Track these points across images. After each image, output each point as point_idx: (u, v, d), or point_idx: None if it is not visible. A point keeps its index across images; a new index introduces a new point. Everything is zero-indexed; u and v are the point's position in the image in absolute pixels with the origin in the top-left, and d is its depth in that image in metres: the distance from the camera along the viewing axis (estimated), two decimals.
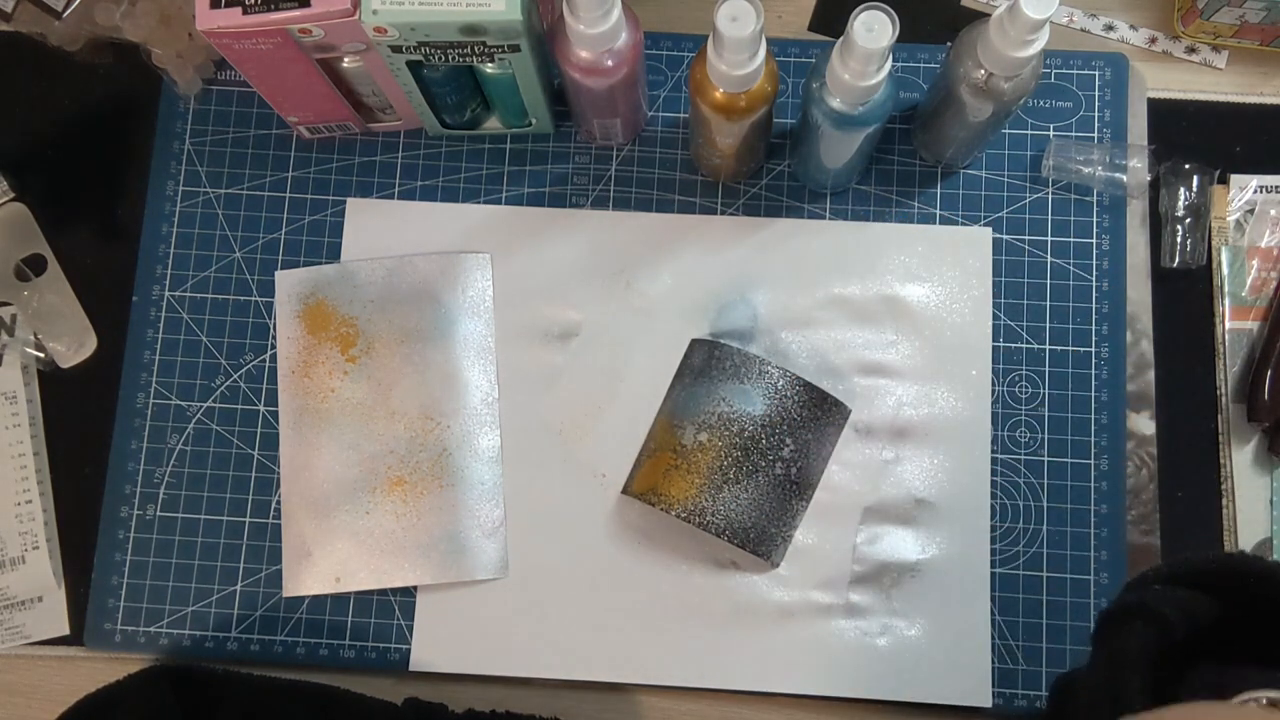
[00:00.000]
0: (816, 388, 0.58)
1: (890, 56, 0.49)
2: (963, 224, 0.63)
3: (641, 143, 0.64)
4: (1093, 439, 0.60)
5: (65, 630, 0.60)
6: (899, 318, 0.62)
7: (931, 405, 0.61)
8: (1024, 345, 0.61)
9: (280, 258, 0.63)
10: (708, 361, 0.59)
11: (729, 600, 0.59)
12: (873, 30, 0.47)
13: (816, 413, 0.58)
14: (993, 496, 0.60)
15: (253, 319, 0.63)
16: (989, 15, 0.50)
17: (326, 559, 0.60)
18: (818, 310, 0.62)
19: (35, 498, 0.61)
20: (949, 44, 0.54)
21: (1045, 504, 0.60)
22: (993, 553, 0.59)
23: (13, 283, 0.63)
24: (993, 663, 0.58)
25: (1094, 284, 0.62)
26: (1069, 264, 0.62)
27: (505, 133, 0.64)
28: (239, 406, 0.62)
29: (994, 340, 0.61)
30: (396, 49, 0.53)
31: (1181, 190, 0.62)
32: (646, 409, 0.61)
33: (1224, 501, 0.60)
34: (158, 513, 0.61)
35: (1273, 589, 0.43)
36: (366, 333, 0.62)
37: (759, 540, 0.57)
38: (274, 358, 0.62)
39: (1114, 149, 0.62)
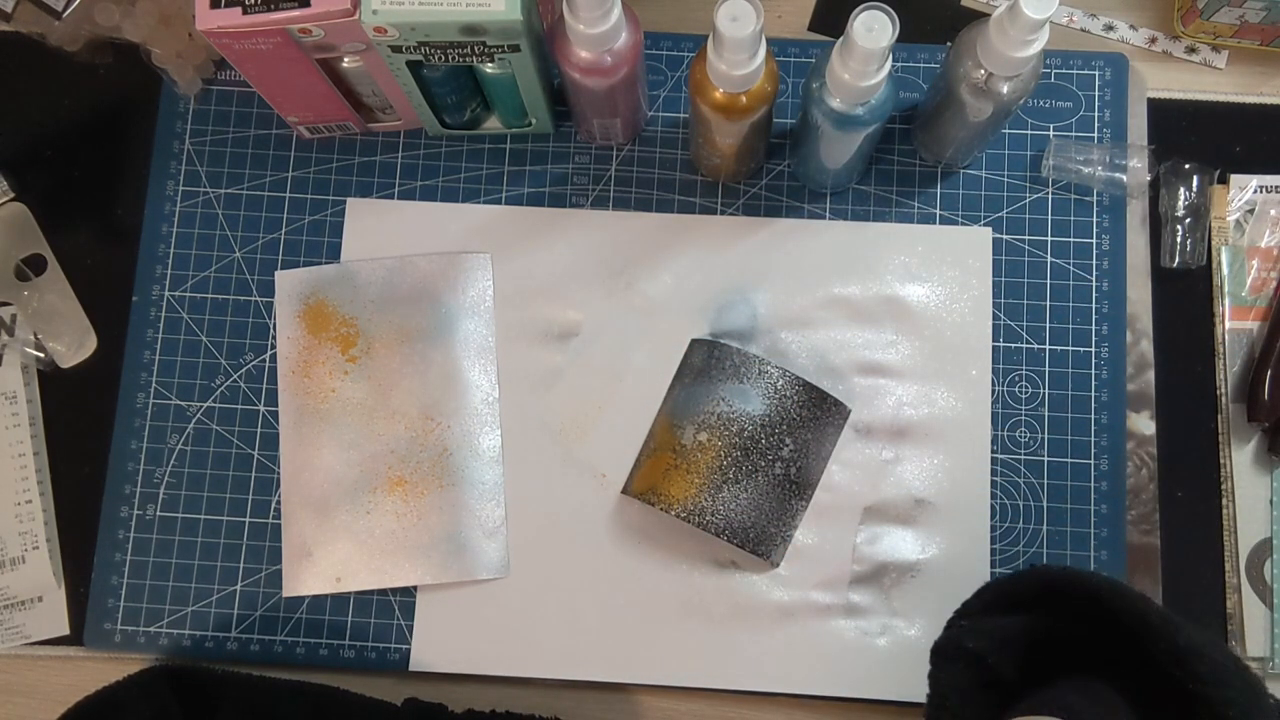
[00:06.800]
0: (816, 387, 0.58)
1: (890, 56, 0.49)
2: (963, 224, 0.63)
3: (641, 143, 0.64)
4: (1093, 439, 0.60)
5: (65, 630, 0.60)
6: (899, 318, 0.62)
7: (931, 405, 0.61)
8: (1024, 345, 0.61)
9: (280, 258, 0.63)
10: (707, 361, 0.59)
11: (729, 600, 0.59)
12: (873, 30, 0.47)
13: (816, 412, 0.58)
14: (993, 496, 0.60)
15: (253, 319, 0.63)
16: (989, 15, 0.50)
17: (327, 559, 0.60)
18: (818, 310, 0.62)
19: (35, 498, 0.61)
20: (949, 44, 0.54)
21: (1045, 504, 0.60)
22: (993, 553, 0.59)
23: (13, 283, 0.63)
24: None
25: (1094, 284, 0.62)
26: (1069, 264, 0.62)
27: (505, 133, 0.64)
28: (239, 406, 0.62)
29: (994, 340, 0.61)
30: (396, 49, 0.53)
31: (1181, 190, 0.62)
32: (646, 409, 0.61)
33: (1224, 501, 0.60)
34: (158, 513, 0.61)
35: (1073, 591, 0.44)
36: (367, 333, 0.62)
37: (759, 540, 0.57)
38: (274, 358, 0.62)
39: (1114, 149, 0.62)
